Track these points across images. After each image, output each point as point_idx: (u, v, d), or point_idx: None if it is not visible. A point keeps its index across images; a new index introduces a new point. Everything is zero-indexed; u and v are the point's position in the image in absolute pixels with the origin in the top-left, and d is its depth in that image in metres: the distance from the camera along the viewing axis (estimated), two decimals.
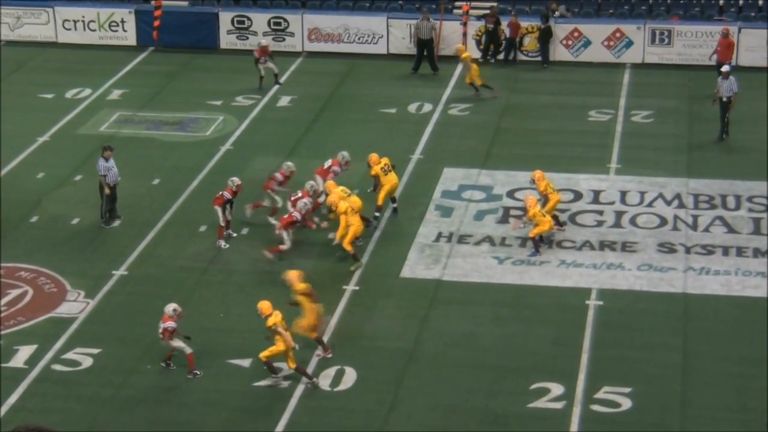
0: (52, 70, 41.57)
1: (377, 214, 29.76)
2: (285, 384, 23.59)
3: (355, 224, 27.56)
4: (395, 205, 30.43)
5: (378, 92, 38.87)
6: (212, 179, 31.92)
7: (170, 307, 23.87)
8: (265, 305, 23.59)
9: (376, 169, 29.96)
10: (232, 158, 33.85)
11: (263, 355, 23.44)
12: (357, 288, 27.06)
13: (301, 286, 24.42)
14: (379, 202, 29.87)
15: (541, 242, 28.35)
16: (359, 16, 43.27)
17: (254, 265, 27.99)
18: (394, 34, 42.28)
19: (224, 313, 26.03)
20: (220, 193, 28.92)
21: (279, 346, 23.31)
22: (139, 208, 30.64)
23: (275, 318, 23.37)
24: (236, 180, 29.12)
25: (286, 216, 28.15)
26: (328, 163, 30.15)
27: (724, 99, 34.24)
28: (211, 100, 38.31)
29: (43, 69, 41.65)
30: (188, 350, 23.78)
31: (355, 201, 28.21)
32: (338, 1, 44.82)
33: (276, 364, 23.59)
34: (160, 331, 23.74)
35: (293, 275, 24.70)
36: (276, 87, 39.19)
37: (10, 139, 35.11)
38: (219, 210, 28.69)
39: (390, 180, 30.02)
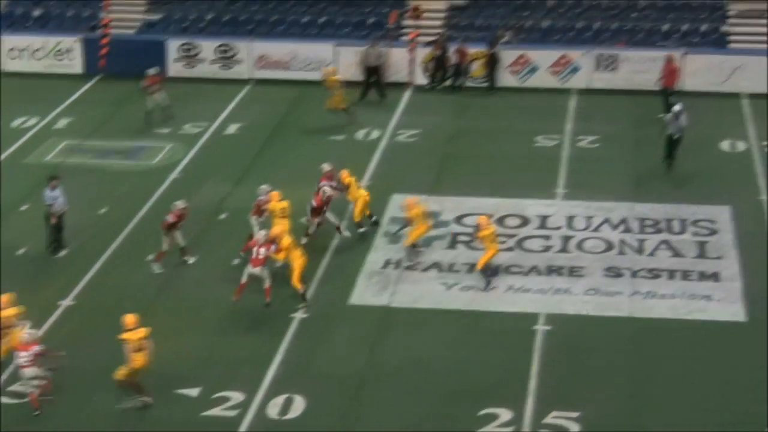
0: None
1: (361, 230, 30.40)
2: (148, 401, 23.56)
3: (298, 259, 27.51)
4: (375, 218, 31.02)
5: (326, 119, 38.90)
6: (160, 207, 31.77)
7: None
8: (129, 319, 23.52)
9: (351, 181, 30.52)
10: (181, 186, 33.76)
11: (119, 374, 23.36)
12: (306, 316, 27.02)
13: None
14: (357, 218, 30.41)
15: (491, 273, 28.32)
16: (307, 44, 43.36)
17: (205, 292, 27.92)
18: (342, 61, 42.36)
19: (173, 342, 25.90)
20: (165, 217, 28.88)
21: (134, 363, 23.28)
22: (87, 237, 30.50)
23: (133, 335, 23.30)
24: (179, 204, 29.06)
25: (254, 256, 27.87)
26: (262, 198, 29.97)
27: (675, 137, 34.52)
28: (158, 128, 38.26)
29: None
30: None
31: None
32: (286, 28, 44.90)
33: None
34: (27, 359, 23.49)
35: None
36: (223, 114, 39.16)
37: None
38: (164, 234, 28.69)
39: (363, 194, 30.50)
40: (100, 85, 42.62)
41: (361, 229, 30.51)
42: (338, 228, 30.22)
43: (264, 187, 30.09)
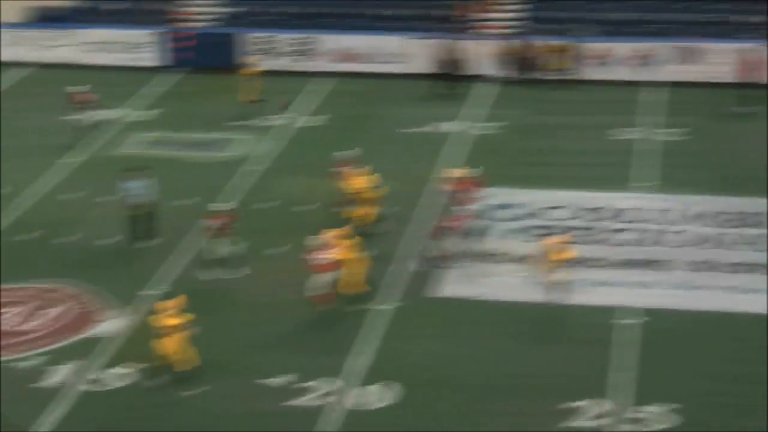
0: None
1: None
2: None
3: (357, 263, 27.06)
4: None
5: (402, 112, 38.98)
6: (247, 199, 32.03)
7: None
8: (169, 303, 24.02)
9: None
10: (259, 178, 34.00)
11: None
12: (392, 307, 27.09)
13: None
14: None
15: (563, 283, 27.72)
16: (382, 36, 43.43)
17: (287, 286, 28.08)
18: (418, 54, 42.39)
19: (256, 331, 26.08)
20: (211, 222, 28.89)
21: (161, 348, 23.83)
22: (174, 228, 30.68)
23: (163, 320, 23.76)
24: (223, 206, 29.18)
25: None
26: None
27: None
28: (240, 120, 38.50)
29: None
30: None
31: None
32: (361, 21, 44.97)
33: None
34: None
35: None
36: (305, 107, 39.40)
37: (36, 161, 35.62)
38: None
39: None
40: (181, 77, 42.87)
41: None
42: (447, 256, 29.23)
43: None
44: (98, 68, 44.04)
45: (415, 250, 29.52)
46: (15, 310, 27.35)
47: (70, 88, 37.92)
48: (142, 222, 30.10)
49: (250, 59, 40.53)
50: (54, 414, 23.31)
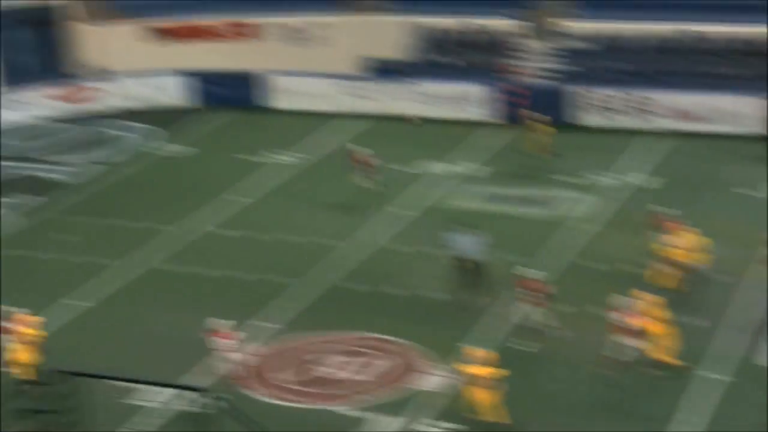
0: (417, 143, 42.42)
1: None
2: None
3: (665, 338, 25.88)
4: None
5: (736, 173, 37.69)
6: (581, 260, 31.63)
7: None
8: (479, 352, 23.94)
9: None
10: (596, 238, 33.44)
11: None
12: (724, 374, 26.01)
13: None
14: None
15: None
16: (726, 96, 42.17)
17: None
18: (754, 115, 41.01)
19: (572, 393, 25.50)
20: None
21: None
22: (502, 285, 30.27)
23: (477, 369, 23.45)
24: (533, 272, 28.33)
25: None
26: None
27: None
28: (571, 177, 38.09)
29: (409, 142, 42.56)
30: None
31: None
32: (701, 80, 43.72)
33: None
34: None
35: None
36: (639, 167, 38.60)
37: (377, 213, 36.25)
38: None
39: None
40: (515, 133, 42.68)
41: None
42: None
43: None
44: (432, 121, 44.52)
45: (743, 317, 28.29)
46: (342, 359, 27.76)
47: (350, 147, 38.38)
48: (470, 277, 30.03)
49: (535, 114, 40.43)
50: None
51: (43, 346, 26.52)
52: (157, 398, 25.40)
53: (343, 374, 27.10)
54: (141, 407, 25.37)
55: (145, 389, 25.05)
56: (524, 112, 41.29)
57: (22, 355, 26.40)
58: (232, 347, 26.76)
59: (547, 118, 40.07)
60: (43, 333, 27.06)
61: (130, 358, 27.62)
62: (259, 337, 28.80)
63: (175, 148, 43.64)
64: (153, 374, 24.25)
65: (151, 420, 25.06)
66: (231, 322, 27.21)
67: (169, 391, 24.54)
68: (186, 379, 25.61)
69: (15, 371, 26.37)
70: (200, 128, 45.69)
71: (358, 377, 26.93)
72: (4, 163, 42.49)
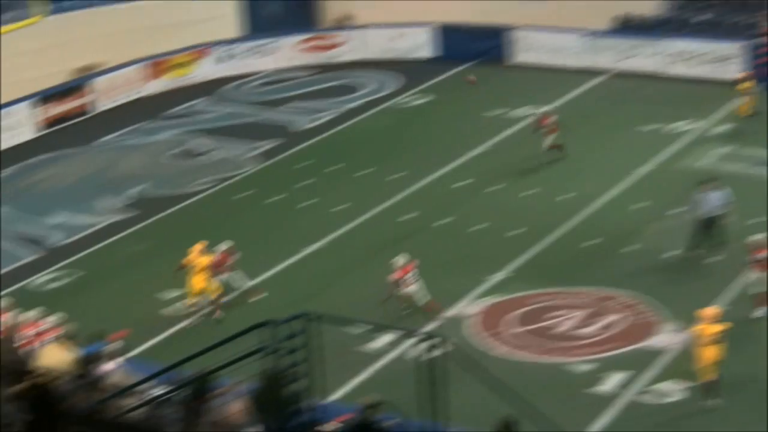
0: (656, 102, 41.73)
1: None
2: None
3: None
4: None
5: None
6: None
7: None
8: (709, 311, 23.40)
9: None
10: None
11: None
12: None
13: None
14: None
15: None
16: None
17: None
18: None
19: None
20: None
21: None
22: (737, 246, 29.58)
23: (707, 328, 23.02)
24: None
25: None
26: None
27: None
28: None
29: (648, 101, 41.88)
30: None
31: None
32: None
33: None
34: None
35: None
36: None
37: (609, 169, 35.76)
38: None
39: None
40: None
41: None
42: None
43: None
44: (679, 80, 43.66)
45: None
46: (571, 314, 27.69)
47: (539, 112, 37.89)
48: (711, 236, 29.46)
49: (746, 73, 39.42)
50: (600, 422, 23.35)
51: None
52: (383, 343, 25.95)
53: (572, 329, 27.03)
54: (369, 352, 25.88)
55: (373, 333, 25.58)
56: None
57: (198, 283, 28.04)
58: (411, 281, 27.21)
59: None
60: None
61: (362, 306, 28.15)
62: (490, 290, 28.96)
63: (417, 100, 44.02)
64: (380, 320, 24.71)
65: (377, 365, 25.56)
66: (404, 258, 27.47)
67: (395, 336, 25.04)
68: (414, 325, 25.91)
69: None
70: (444, 81, 45.89)
71: (586, 332, 26.82)
72: (248, 110, 43.74)
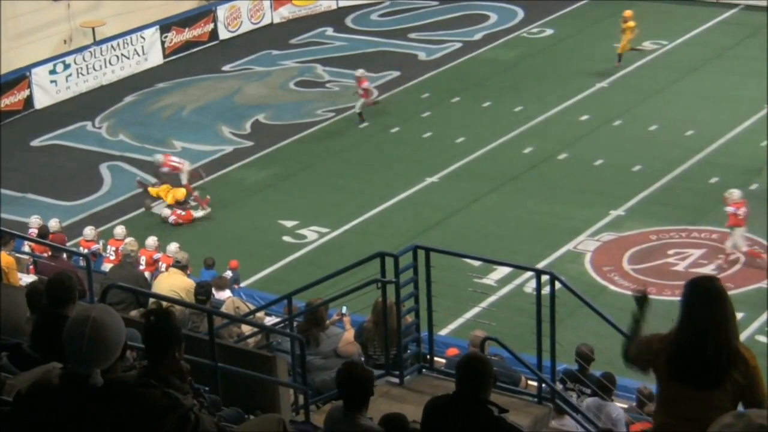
0: None
1: None
2: None
3: None
4: None
5: None
6: None
7: None
8: None
9: None
10: None
11: None
12: None
13: None
14: None
15: None
16: None
17: None
18: None
19: None
20: None
21: None
22: None
23: None
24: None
25: None
26: None
27: None
28: None
29: None
30: None
31: None
32: None
33: None
34: None
35: None
36: None
37: (735, 106, 35.12)
38: None
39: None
40: None
41: None
42: None
43: None
44: None
45: None
46: (685, 251, 27.41)
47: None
48: None
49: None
50: None
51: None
52: (499, 276, 26.03)
53: (682, 266, 26.71)
54: (482, 285, 25.90)
55: (488, 268, 25.59)
56: None
57: None
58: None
59: None
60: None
61: (479, 238, 28.15)
62: (610, 225, 28.77)
63: (540, 31, 43.58)
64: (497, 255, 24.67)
65: (490, 299, 25.58)
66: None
67: (508, 270, 25.07)
68: (531, 262, 25.85)
69: None
70: (569, 13, 45.30)
71: (697, 270, 26.44)
72: (373, 39, 43.73)
